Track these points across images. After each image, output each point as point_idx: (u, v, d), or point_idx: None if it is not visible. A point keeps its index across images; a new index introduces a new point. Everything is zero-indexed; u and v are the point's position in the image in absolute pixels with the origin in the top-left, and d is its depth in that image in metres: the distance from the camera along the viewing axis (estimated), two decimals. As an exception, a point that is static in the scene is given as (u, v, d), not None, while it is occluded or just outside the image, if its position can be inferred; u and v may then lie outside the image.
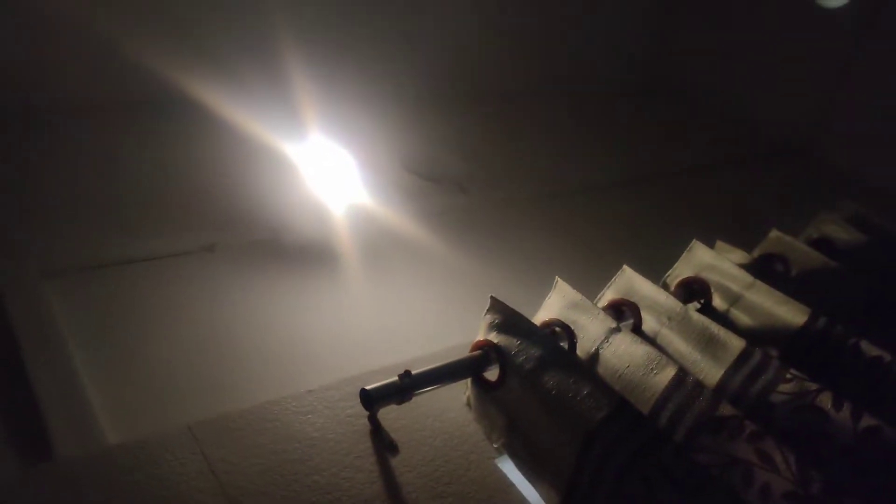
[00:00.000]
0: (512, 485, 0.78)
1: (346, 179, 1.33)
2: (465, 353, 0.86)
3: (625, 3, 2.31)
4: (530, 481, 0.78)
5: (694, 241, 1.09)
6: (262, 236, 1.16)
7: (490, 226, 1.38)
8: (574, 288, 0.91)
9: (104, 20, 1.39)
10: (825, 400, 0.79)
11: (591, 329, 0.86)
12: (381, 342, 1.00)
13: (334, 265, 1.15)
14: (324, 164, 1.32)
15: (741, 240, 1.21)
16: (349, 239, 1.22)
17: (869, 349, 0.88)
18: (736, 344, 0.85)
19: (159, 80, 1.46)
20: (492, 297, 0.84)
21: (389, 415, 0.82)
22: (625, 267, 0.99)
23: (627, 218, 1.55)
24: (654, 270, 1.08)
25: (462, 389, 0.86)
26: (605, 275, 1.00)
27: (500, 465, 0.80)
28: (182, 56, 1.47)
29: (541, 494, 0.76)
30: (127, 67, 1.44)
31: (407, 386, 0.76)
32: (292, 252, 1.15)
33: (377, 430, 0.79)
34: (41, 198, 1.14)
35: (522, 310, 0.84)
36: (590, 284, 1.02)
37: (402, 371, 0.80)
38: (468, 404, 0.86)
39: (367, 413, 0.81)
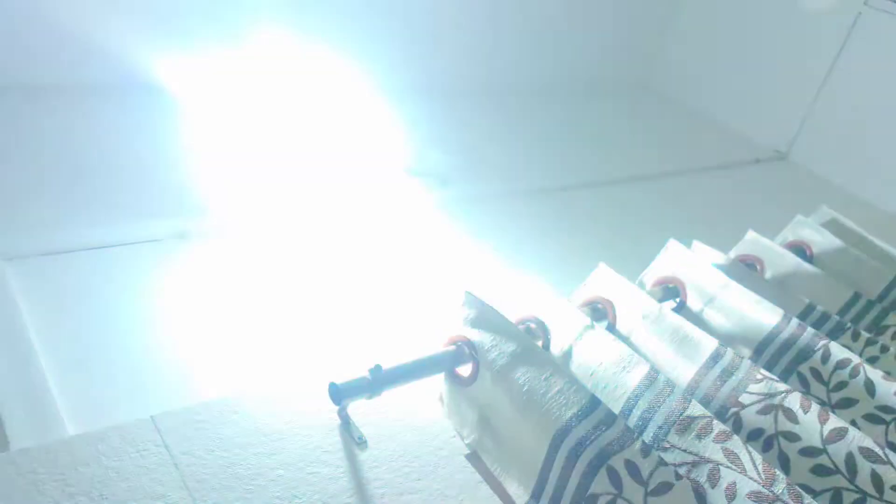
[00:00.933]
0: (481, 481, 0.77)
1: (328, 172, 1.31)
2: (438, 348, 0.85)
3: (617, 6, 2.32)
4: (499, 477, 0.77)
5: (670, 240, 1.09)
6: (236, 226, 1.14)
7: (471, 220, 1.38)
8: (550, 284, 0.91)
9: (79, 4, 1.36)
10: (793, 401, 0.79)
11: (565, 326, 0.86)
12: (356, 338, 0.99)
13: (311, 259, 1.14)
14: (305, 154, 1.31)
15: (719, 241, 1.22)
16: (329, 232, 1.20)
17: (838, 351, 0.89)
18: (708, 344, 0.86)
19: (126, 61, 1.43)
20: (466, 291, 0.83)
21: (358, 410, 0.81)
22: (601, 264, 0.99)
23: (607, 216, 1.55)
24: (632, 269, 1.08)
25: (436, 384, 0.86)
26: (583, 272, 1.00)
27: (469, 461, 0.79)
28: (153, 38, 1.44)
29: (509, 490, 0.76)
30: (92, 48, 1.40)
31: (377, 381, 0.75)
32: (267, 244, 1.13)
33: (346, 425, 0.78)
34: (3, 180, 1.11)
35: (499, 305, 0.84)
36: (566, 281, 1.02)
37: (370, 365, 0.79)
38: (440, 400, 0.85)
39: (335, 407, 0.79)
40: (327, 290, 1.09)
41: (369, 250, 1.20)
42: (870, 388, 0.85)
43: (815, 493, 0.75)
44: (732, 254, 1.20)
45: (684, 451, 0.72)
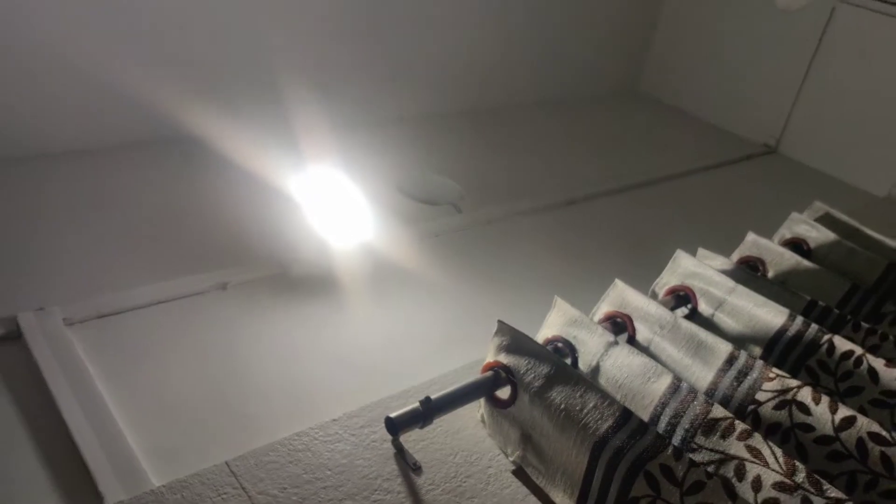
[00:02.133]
0: (528, 494, 0.85)
1: (347, 208, 1.39)
2: (474, 371, 0.93)
3: (609, 15, 2.40)
4: (545, 489, 0.85)
5: (678, 250, 1.17)
6: (271, 272, 1.21)
7: (486, 243, 1.45)
8: (570, 300, 0.98)
9: (107, 60, 1.44)
10: (805, 394, 0.87)
11: (590, 343, 0.93)
12: (394, 366, 1.06)
13: (341, 295, 1.21)
14: (325, 194, 1.38)
15: (722, 240, 1.30)
16: (353, 268, 1.28)
17: (842, 344, 0.96)
18: (723, 348, 0.93)
19: (159, 118, 1.52)
20: (499, 321, 0.91)
21: (410, 437, 0.88)
22: (616, 281, 1.06)
23: (614, 227, 1.63)
24: (643, 275, 1.16)
25: (475, 407, 0.93)
26: (599, 285, 1.08)
27: (516, 476, 0.87)
28: (183, 94, 1.53)
29: (556, 501, 0.83)
30: (128, 107, 1.49)
31: (428, 411, 0.82)
32: (301, 285, 1.21)
33: (401, 453, 0.85)
34: (51, 244, 1.18)
35: (524, 325, 0.91)
36: (585, 295, 1.09)
37: (418, 394, 0.87)
38: (482, 421, 0.92)
39: (389, 436, 0.87)
40: (362, 325, 1.16)
41: (397, 282, 1.27)
42: (873, 375, 0.93)
43: (831, 478, 0.82)
44: (735, 256, 1.28)
45: (711, 450, 0.80)
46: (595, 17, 2.36)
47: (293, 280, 1.21)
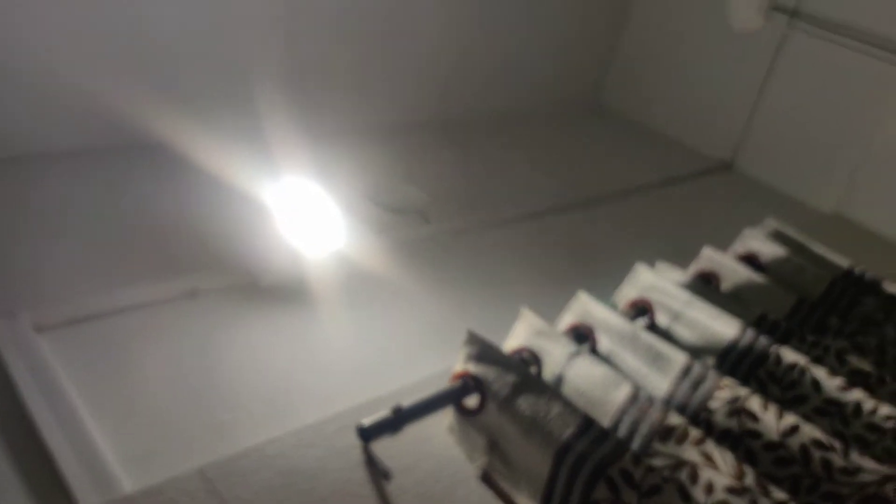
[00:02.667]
0: (495, 498, 0.88)
1: (318, 217, 1.40)
2: (443, 379, 0.96)
3: (571, 31, 2.46)
4: (511, 494, 0.88)
5: (637, 264, 1.22)
6: (243, 280, 1.22)
7: (453, 254, 1.49)
8: (536, 311, 1.02)
9: (73, 65, 1.43)
10: (754, 403, 0.92)
11: (555, 354, 0.98)
12: (365, 374, 1.09)
13: (312, 303, 1.23)
14: (296, 203, 1.39)
15: (679, 257, 1.36)
16: (324, 276, 1.30)
17: (788, 355, 1.03)
18: (679, 358, 0.98)
19: (130, 124, 1.51)
20: (468, 331, 0.94)
21: (381, 443, 0.90)
22: (579, 292, 1.11)
23: (576, 240, 1.68)
24: (605, 290, 1.21)
25: (444, 415, 0.96)
26: (563, 296, 1.12)
27: (483, 482, 0.90)
28: (155, 100, 1.52)
29: (520, 504, 0.87)
30: (98, 113, 1.48)
31: (399, 419, 0.85)
32: (272, 293, 1.22)
33: (372, 459, 0.88)
34: (19, 250, 1.17)
35: (492, 335, 0.95)
36: (550, 306, 1.13)
37: (389, 402, 0.89)
38: (451, 429, 0.95)
39: (361, 443, 0.89)
40: (333, 333, 1.19)
41: (367, 291, 1.29)
42: (816, 385, 0.99)
43: (777, 482, 0.88)
44: (691, 269, 1.34)
45: (667, 455, 0.85)
46: (557, 32, 2.41)
47: (265, 288, 1.23)
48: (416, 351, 1.16)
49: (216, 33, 1.62)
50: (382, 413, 0.87)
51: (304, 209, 1.42)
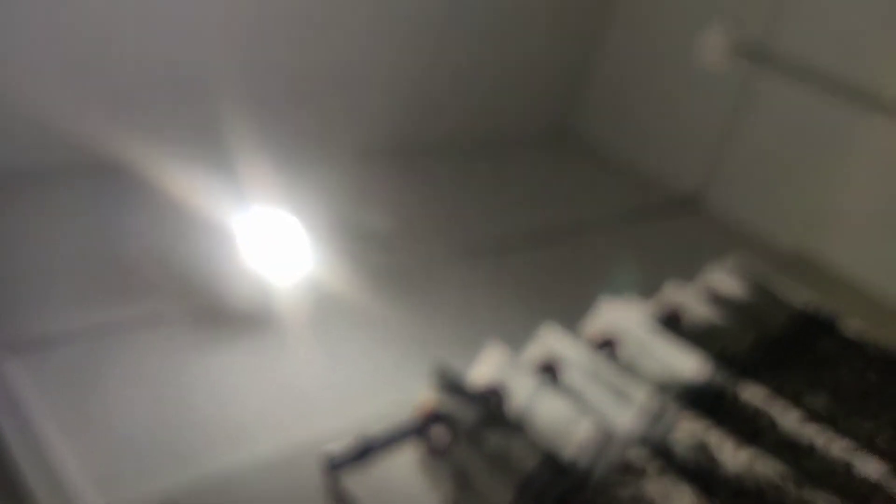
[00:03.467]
0: (459, 531, 0.88)
1: (283, 244, 1.41)
2: (409, 409, 0.96)
3: (538, 59, 2.50)
4: (474, 526, 0.89)
5: (601, 298, 1.25)
6: (208, 306, 1.22)
7: (419, 283, 1.50)
8: (500, 340, 1.04)
9: (36, 87, 1.42)
10: (712, 438, 0.95)
11: (520, 386, 0.99)
12: (329, 403, 1.08)
13: (277, 331, 1.23)
14: (261, 229, 1.40)
15: (643, 292, 1.39)
16: (289, 304, 1.30)
17: (745, 391, 1.06)
18: (640, 393, 1.01)
19: (96, 148, 1.50)
20: (435, 362, 0.95)
21: (346, 474, 0.90)
22: (544, 325, 1.13)
23: (542, 272, 1.70)
24: (571, 321, 1.23)
25: (410, 447, 0.96)
26: (529, 325, 1.14)
27: (446, 513, 0.90)
28: (119, 124, 1.52)
29: (483, 537, 0.87)
30: (61, 134, 1.47)
31: (365, 450, 0.85)
32: (236, 320, 1.22)
33: (338, 490, 0.88)
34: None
35: (456, 362, 0.96)
36: (514, 337, 1.15)
37: (353, 432, 0.90)
38: (417, 460, 0.96)
39: (326, 473, 0.89)
40: (298, 362, 1.18)
41: (332, 319, 1.29)
42: (774, 422, 1.02)
43: (734, 516, 0.90)
44: (655, 304, 1.37)
45: (629, 489, 0.86)
46: (525, 62, 2.43)
47: (230, 315, 1.22)
48: (381, 380, 1.16)
49: (182, 58, 1.62)
50: (349, 443, 0.87)
51: (269, 235, 1.43)
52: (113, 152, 1.51)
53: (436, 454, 0.93)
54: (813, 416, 1.06)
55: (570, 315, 1.27)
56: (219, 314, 1.21)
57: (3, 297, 1.12)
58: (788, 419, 1.01)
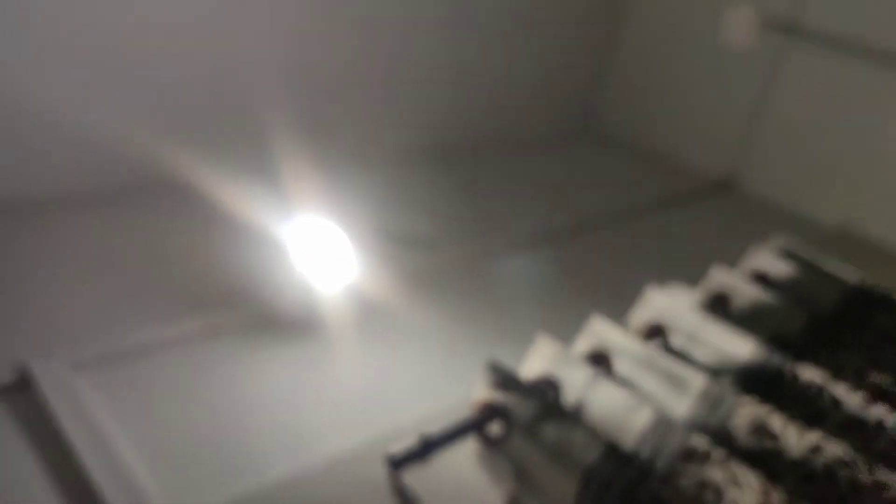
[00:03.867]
0: (522, 525, 0.89)
1: (329, 251, 1.43)
2: (463, 407, 0.97)
3: (562, 51, 2.50)
4: (537, 520, 0.89)
5: (647, 286, 1.24)
6: (260, 316, 1.24)
7: (462, 282, 1.51)
8: (548, 334, 1.03)
9: (88, 110, 1.47)
10: (774, 422, 0.93)
11: (573, 379, 0.99)
12: (384, 405, 1.10)
13: (329, 336, 1.25)
14: (308, 237, 1.42)
15: (686, 278, 1.37)
16: (338, 310, 1.32)
17: (804, 373, 1.04)
18: (697, 379, 0.99)
19: (145, 166, 1.54)
20: (488, 359, 0.96)
21: (407, 473, 0.91)
22: (592, 316, 1.12)
23: (583, 265, 1.70)
24: (615, 314, 1.22)
25: (468, 442, 0.97)
26: (574, 321, 1.14)
27: (508, 508, 0.91)
28: (167, 141, 1.56)
29: (548, 531, 0.87)
30: (114, 156, 1.52)
31: (425, 448, 0.86)
32: (289, 328, 1.24)
33: (400, 489, 0.89)
34: (51, 293, 1.20)
35: (504, 359, 0.96)
36: (561, 331, 1.14)
37: (411, 432, 0.90)
38: (476, 456, 0.96)
39: (387, 473, 0.90)
40: (349, 363, 1.20)
41: (380, 323, 1.31)
42: (835, 402, 1.00)
43: (804, 500, 0.88)
44: (702, 290, 1.36)
45: (692, 476, 0.85)
46: (549, 56, 2.44)
47: (282, 323, 1.25)
48: (433, 380, 1.17)
49: (226, 72, 1.66)
50: (409, 442, 0.88)
51: (315, 243, 1.45)
52: (163, 169, 1.55)
53: (495, 449, 0.93)
54: (878, 394, 1.04)
55: (617, 305, 1.26)
56: (272, 322, 1.23)
57: (70, 314, 1.16)
58: (853, 399, 0.99)
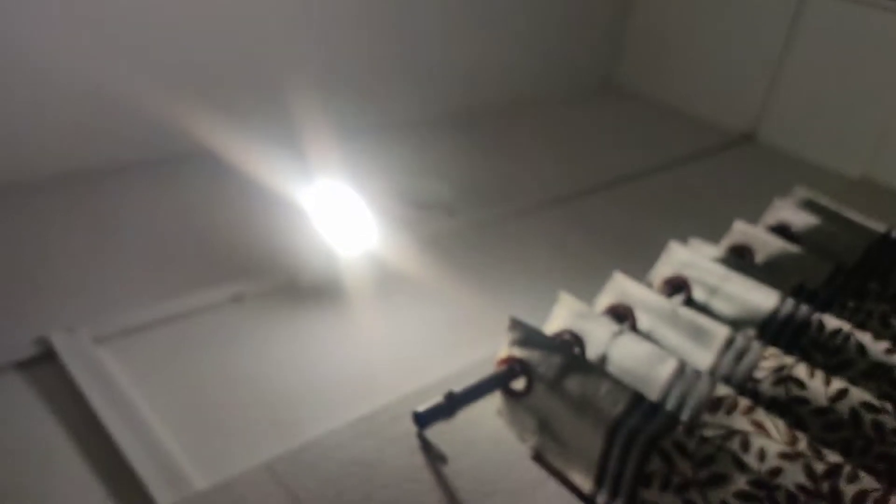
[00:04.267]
0: (548, 477, 0.90)
1: (350, 216, 1.43)
2: (485, 367, 0.98)
3: (581, 8, 2.45)
4: (564, 472, 0.90)
5: (670, 241, 1.23)
6: (284, 281, 1.26)
7: (482, 244, 1.51)
8: (570, 294, 1.04)
9: (114, 83, 1.48)
10: (800, 370, 0.93)
11: (596, 334, 0.99)
12: (408, 366, 1.11)
13: (352, 301, 1.26)
14: (329, 203, 1.43)
15: (709, 232, 1.36)
16: (361, 274, 1.33)
17: (830, 322, 1.03)
18: (720, 332, 1.00)
19: (168, 136, 1.56)
20: (511, 316, 0.96)
21: (433, 429, 0.93)
22: (615, 273, 1.12)
23: (603, 222, 1.69)
24: (638, 270, 1.22)
25: (492, 400, 0.98)
26: (595, 279, 1.14)
27: (535, 462, 0.92)
28: (188, 108, 1.57)
29: (575, 481, 0.89)
30: (138, 127, 1.53)
31: (452, 405, 0.87)
32: (312, 293, 1.25)
33: (427, 445, 0.90)
34: (71, 265, 1.22)
35: (526, 318, 0.97)
36: (583, 290, 1.15)
37: (435, 391, 0.92)
38: (500, 412, 0.98)
39: (414, 431, 0.92)
40: (373, 326, 1.22)
41: (402, 287, 1.32)
42: (862, 350, 0.99)
43: (829, 446, 0.89)
44: (725, 244, 1.35)
45: (718, 426, 0.86)
46: (568, 13, 2.41)
47: (305, 288, 1.26)
48: (455, 340, 1.18)
49: (248, 43, 1.65)
50: (435, 399, 0.90)
51: (336, 209, 1.45)
52: (185, 140, 1.57)
53: (520, 405, 0.94)
54: (904, 341, 1.04)
55: (641, 261, 1.26)
56: (294, 288, 1.25)
57: (93, 286, 1.18)
58: (878, 346, 0.98)
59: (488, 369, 0.97)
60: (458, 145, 2.01)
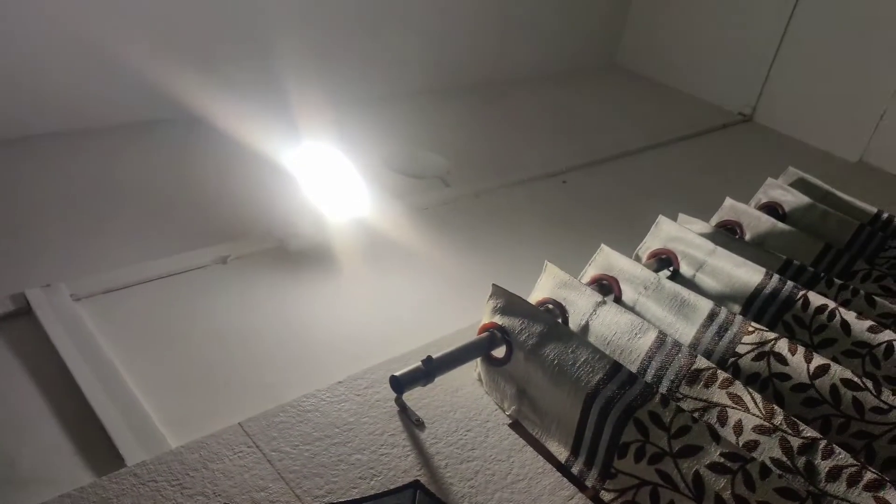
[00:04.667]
0: (525, 445, 0.90)
1: (340, 182, 1.42)
2: (468, 335, 0.97)
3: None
4: (541, 440, 0.90)
5: (660, 216, 1.22)
6: (270, 245, 1.24)
7: (474, 215, 1.50)
8: (558, 266, 1.03)
9: (105, 40, 1.45)
10: (782, 346, 0.93)
11: (580, 304, 0.98)
12: (392, 332, 1.10)
13: (339, 266, 1.25)
14: (319, 168, 1.41)
15: (701, 206, 1.35)
16: (349, 240, 1.32)
17: (816, 299, 1.02)
18: (704, 305, 0.99)
19: (157, 98, 1.53)
20: (493, 284, 0.95)
21: (411, 395, 0.92)
22: (602, 246, 1.11)
23: (596, 196, 1.68)
24: (627, 243, 1.21)
25: (472, 367, 0.98)
26: (584, 251, 1.13)
27: (512, 429, 0.92)
28: (179, 72, 1.54)
29: (551, 449, 0.89)
30: (125, 86, 1.50)
31: (430, 369, 0.87)
32: (299, 257, 1.24)
33: (404, 410, 0.90)
34: (53, 223, 1.21)
35: (514, 290, 0.96)
36: (572, 261, 1.14)
37: (416, 357, 0.91)
38: (479, 380, 0.97)
39: (392, 396, 0.91)
40: (359, 295, 1.20)
41: (391, 254, 1.31)
42: (846, 328, 0.99)
43: (807, 422, 0.88)
44: (714, 221, 1.34)
45: (696, 398, 0.86)
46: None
47: (292, 252, 1.25)
48: (440, 308, 1.18)
49: (244, 7, 1.62)
50: (414, 364, 0.89)
51: (326, 175, 1.44)
52: (173, 101, 1.54)
53: (499, 371, 0.93)
54: (888, 320, 1.03)
55: (627, 236, 1.25)
56: (281, 252, 1.23)
57: (74, 245, 1.16)
58: (862, 325, 0.98)
59: (471, 338, 0.96)
60: (455, 117, 1.99)
